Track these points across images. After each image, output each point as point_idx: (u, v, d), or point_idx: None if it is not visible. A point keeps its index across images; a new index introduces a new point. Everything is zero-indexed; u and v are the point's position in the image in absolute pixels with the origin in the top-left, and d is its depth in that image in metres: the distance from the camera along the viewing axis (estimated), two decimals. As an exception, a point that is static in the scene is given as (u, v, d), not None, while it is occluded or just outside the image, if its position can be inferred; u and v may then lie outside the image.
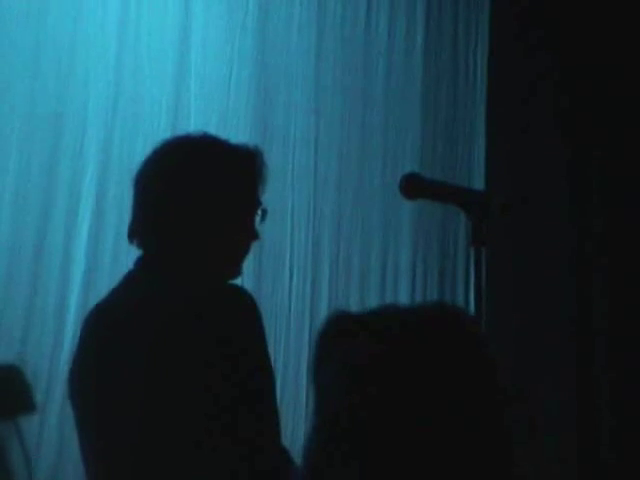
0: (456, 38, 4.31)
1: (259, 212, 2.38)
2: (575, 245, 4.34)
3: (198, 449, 2.15)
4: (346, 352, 1.30)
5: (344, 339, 1.31)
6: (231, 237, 2.33)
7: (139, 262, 2.31)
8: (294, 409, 3.67)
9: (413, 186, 2.31)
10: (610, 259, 4.32)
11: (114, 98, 3.48)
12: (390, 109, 4.11)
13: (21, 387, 3.18)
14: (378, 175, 4.03)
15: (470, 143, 4.30)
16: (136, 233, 2.33)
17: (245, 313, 2.21)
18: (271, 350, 2.27)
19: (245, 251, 2.37)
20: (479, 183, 4.24)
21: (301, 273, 3.85)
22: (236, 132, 3.53)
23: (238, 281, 2.39)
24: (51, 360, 3.24)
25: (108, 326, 2.26)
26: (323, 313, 3.84)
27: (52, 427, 3.21)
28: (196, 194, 2.30)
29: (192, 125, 3.51)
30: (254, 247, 2.44)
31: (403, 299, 3.99)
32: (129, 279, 2.31)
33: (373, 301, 3.92)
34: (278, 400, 2.28)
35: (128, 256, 2.38)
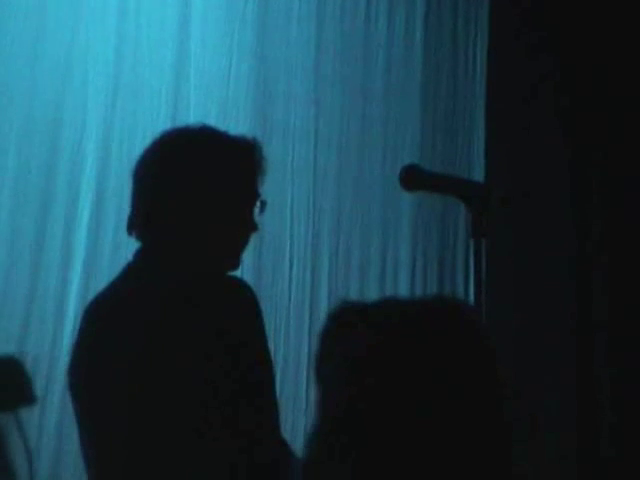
0: (456, 31, 4.31)
1: (258, 204, 2.37)
2: (575, 241, 4.34)
3: (197, 441, 2.15)
4: (346, 344, 1.30)
5: (344, 332, 1.31)
6: (230, 229, 2.33)
7: (138, 254, 2.31)
8: (294, 401, 3.68)
9: (413, 178, 2.30)
10: (610, 255, 4.32)
11: (113, 90, 3.48)
12: (390, 101, 4.11)
13: (21, 379, 3.19)
14: (378, 167, 4.03)
15: (470, 136, 4.29)
16: (135, 225, 2.32)
17: (245, 305, 2.21)
18: (271, 342, 2.27)
19: (244, 243, 2.37)
20: (479, 176, 4.24)
21: (301, 265, 3.85)
22: (235, 124, 3.53)
23: (238, 274, 2.39)
24: (51, 352, 3.24)
25: (106, 318, 2.26)
26: (323, 305, 3.84)
27: (52, 419, 3.21)
28: (195, 186, 2.29)
29: (191, 117, 3.51)
30: (254, 239, 2.43)
31: (403, 291, 3.99)
32: (128, 271, 2.31)
33: (373, 293, 3.92)
34: (278, 392, 2.28)
35: (128, 248, 2.38)
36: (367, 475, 1.25)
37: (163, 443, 2.17)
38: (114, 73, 3.48)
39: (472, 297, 2.29)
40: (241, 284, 2.26)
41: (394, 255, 4.06)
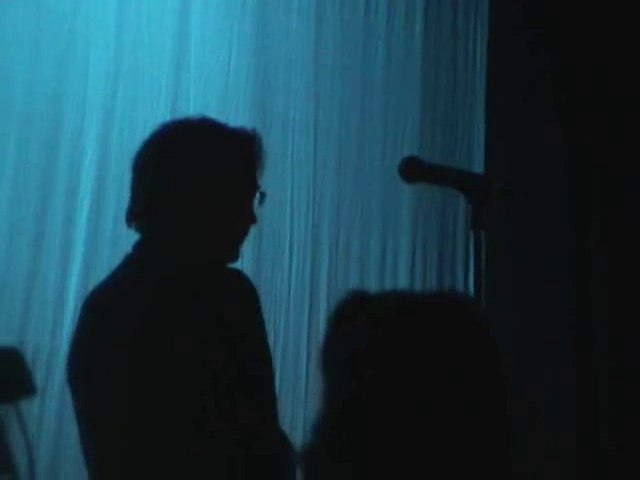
0: (456, 23, 4.30)
1: (257, 195, 2.38)
2: (575, 234, 4.34)
3: (196, 433, 2.15)
4: (348, 336, 1.30)
5: (346, 324, 1.32)
6: (229, 221, 2.33)
7: (138, 245, 2.31)
8: (293, 393, 3.68)
9: (412, 170, 2.30)
10: (610, 248, 4.32)
11: (114, 80, 3.48)
12: (390, 94, 4.11)
13: (21, 371, 3.19)
14: (378, 159, 4.03)
15: (469, 128, 4.29)
16: (134, 217, 2.32)
17: (245, 297, 2.22)
18: (270, 334, 2.28)
19: (243, 235, 2.37)
20: (478, 168, 4.24)
21: (300, 257, 3.85)
22: (235, 116, 3.53)
23: (238, 265, 2.39)
24: (51, 343, 3.24)
25: (106, 308, 2.26)
26: (322, 297, 3.84)
27: (52, 410, 3.22)
28: (194, 177, 2.30)
29: (191, 108, 3.50)
30: (254, 231, 2.43)
31: (402, 283, 3.99)
32: (128, 262, 2.31)
33: (372, 285, 3.92)
34: (277, 385, 2.29)
35: (128, 238, 2.38)
36: (369, 468, 1.25)
37: (163, 434, 2.17)
38: (115, 64, 3.48)
39: (471, 289, 2.29)
40: (241, 276, 2.26)
41: (394, 247, 4.06)
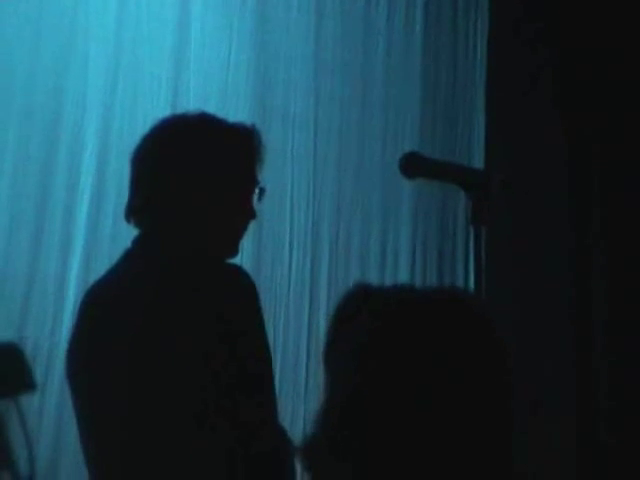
0: (456, 18, 4.30)
1: (257, 191, 2.37)
2: (575, 229, 4.34)
3: (196, 429, 2.15)
4: (351, 332, 1.30)
5: (349, 320, 1.32)
6: (228, 216, 2.33)
7: (137, 241, 2.31)
8: (293, 388, 3.68)
9: (413, 165, 2.30)
10: (610, 243, 4.32)
11: (114, 75, 3.48)
12: (390, 89, 4.10)
13: (21, 366, 3.19)
14: (378, 155, 4.02)
15: (470, 123, 4.29)
16: (134, 212, 2.32)
17: (244, 292, 2.21)
18: (270, 330, 2.28)
19: (243, 230, 2.37)
20: (478, 163, 4.24)
21: (301, 253, 3.85)
22: (235, 112, 3.53)
23: (238, 261, 2.39)
24: (51, 338, 3.24)
25: (105, 304, 2.26)
26: (322, 293, 3.84)
27: (52, 406, 3.22)
28: (193, 173, 2.29)
29: (191, 103, 3.50)
30: (254, 227, 2.43)
31: (403, 278, 3.99)
32: (127, 257, 2.31)
33: (373, 280, 3.89)
34: (277, 380, 2.29)
35: (128, 233, 2.38)
36: (370, 463, 1.25)
37: (163, 431, 2.17)
38: (115, 58, 3.48)
39: (472, 284, 2.29)
40: (240, 271, 2.26)
41: (394, 242, 4.06)
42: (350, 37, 4.03)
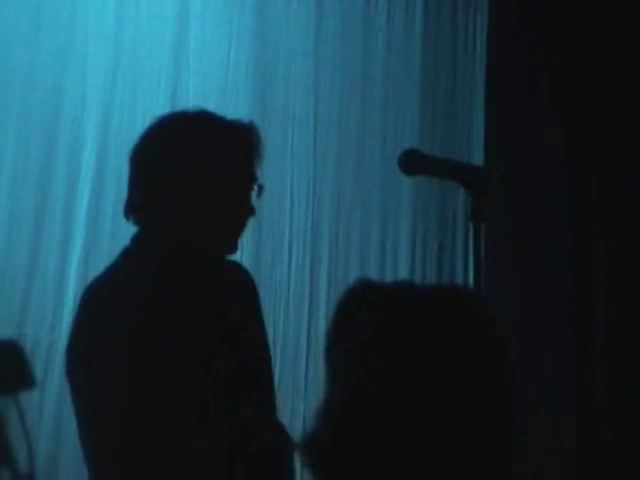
0: (456, 14, 4.30)
1: (256, 188, 2.37)
2: (574, 225, 4.34)
3: (196, 426, 2.15)
4: (352, 328, 1.30)
5: (350, 316, 1.32)
6: (227, 213, 2.33)
7: (136, 238, 2.31)
8: (293, 385, 3.68)
9: (412, 162, 2.30)
10: (609, 241, 4.32)
11: (113, 73, 3.48)
12: (390, 86, 4.10)
13: (20, 363, 3.18)
14: (377, 152, 4.02)
15: (469, 120, 4.29)
16: (133, 209, 2.32)
17: (244, 289, 2.21)
18: (270, 327, 2.28)
19: (241, 227, 2.37)
20: (478, 160, 4.24)
21: (300, 250, 3.85)
22: (235, 109, 3.52)
23: (237, 258, 2.39)
24: (50, 336, 3.25)
25: (104, 301, 2.26)
26: (322, 290, 3.84)
27: (52, 402, 3.22)
28: (193, 169, 2.29)
29: (191, 100, 3.50)
30: (253, 224, 2.43)
31: (402, 275, 3.99)
32: (126, 254, 2.31)
33: (372, 277, 3.90)
34: (277, 377, 2.29)
35: (127, 230, 2.38)
36: (370, 459, 1.25)
37: (162, 428, 2.17)
38: (114, 56, 3.48)
39: (471, 281, 2.29)
40: (240, 268, 2.26)
41: (394, 239, 4.06)
42: (350, 33, 4.03)
